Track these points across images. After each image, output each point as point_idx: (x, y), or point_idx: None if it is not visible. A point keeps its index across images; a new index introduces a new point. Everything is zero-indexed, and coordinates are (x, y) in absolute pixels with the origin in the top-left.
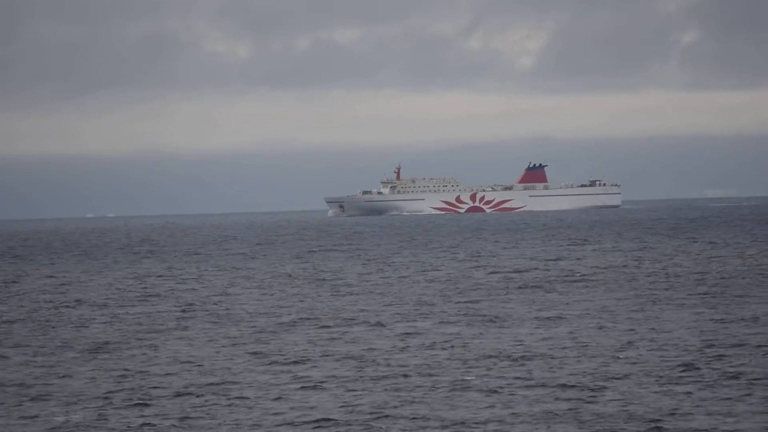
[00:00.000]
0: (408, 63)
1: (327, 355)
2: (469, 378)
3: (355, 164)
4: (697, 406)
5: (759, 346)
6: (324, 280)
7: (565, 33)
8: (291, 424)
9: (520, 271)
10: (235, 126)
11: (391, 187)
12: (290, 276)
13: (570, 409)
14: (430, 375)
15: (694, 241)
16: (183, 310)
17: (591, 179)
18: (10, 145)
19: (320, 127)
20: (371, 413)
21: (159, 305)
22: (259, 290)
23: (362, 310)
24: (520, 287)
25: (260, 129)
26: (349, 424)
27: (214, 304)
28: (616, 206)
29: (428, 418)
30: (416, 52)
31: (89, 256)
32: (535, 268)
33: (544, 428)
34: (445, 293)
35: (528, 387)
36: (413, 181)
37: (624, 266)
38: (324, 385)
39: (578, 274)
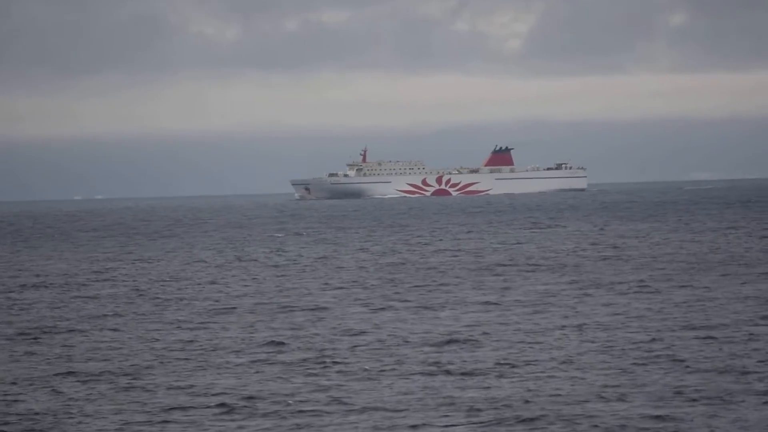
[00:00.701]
0: (396, 45)
1: (251, 341)
2: (380, 365)
3: (342, 146)
4: (595, 393)
5: (684, 329)
6: (276, 265)
7: (552, 15)
8: (189, 408)
9: (477, 255)
10: (225, 108)
11: (357, 169)
12: (240, 260)
13: (470, 396)
14: (346, 362)
15: (656, 225)
16: (127, 295)
17: (557, 162)
18: (3, 126)
19: (308, 109)
20: (274, 400)
21: (103, 290)
22: (208, 274)
23: (305, 295)
24: (470, 271)
25: (249, 111)
26: (249, 410)
27: (160, 287)
28: (582, 189)
29: (329, 404)
30: (404, 34)
31: (56, 239)
32: (493, 252)
33: (438, 415)
34: (395, 278)
35: (433, 374)
36: (379, 164)
37: (581, 250)
38: (237, 369)
39: (531, 258)
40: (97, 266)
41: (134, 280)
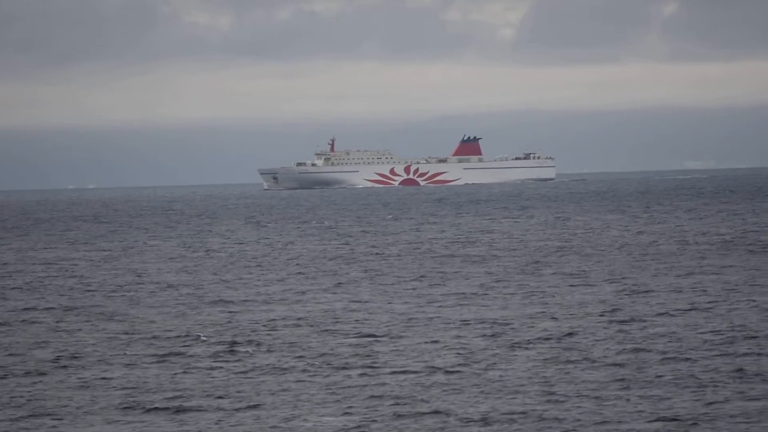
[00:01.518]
0: (388, 35)
1: (169, 334)
2: (285, 361)
3: (337, 135)
4: (487, 389)
5: (603, 323)
6: (227, 256)
7: (545, 4)
8: (74, 404)
9: (430, 247)
10: (217, 97)
11: (325, 158)
12: (195, 251)
13: (366, 393)
14: (253, 357)
15: (619, 216)
16: (69, 287)
17: (526, 152)
18: None
19: (301, 98)
20: (167, 396)
21: (45, 283)
22: (156, 266)
23: (242, 288)
24: (418, 262)
25: (239, 100)
26: (139, 407)
27: (104, 279)
28: (551, 179)
29: (218, 399)
30: (396, 24)
31: (25, 230)
32: (450, 243)
33: (324, 412)
34: (338, 269)
35: (336, 369)
36: (347, 153)
37: (535, 241)
38: (142, 364)
39: (484, 248)
40: (53, 256)
41: (80, 272)
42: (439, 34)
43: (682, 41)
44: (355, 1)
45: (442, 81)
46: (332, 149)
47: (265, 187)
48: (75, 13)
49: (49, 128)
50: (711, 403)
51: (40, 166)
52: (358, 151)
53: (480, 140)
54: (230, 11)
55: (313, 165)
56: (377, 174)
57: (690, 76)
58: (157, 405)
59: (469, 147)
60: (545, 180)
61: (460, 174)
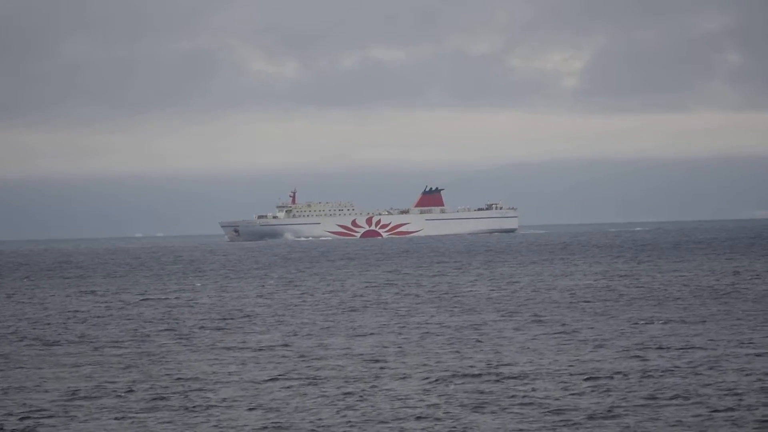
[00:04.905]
0: (452, 83)
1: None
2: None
3: (401, 182)
4: None
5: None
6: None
7: (607, 54)
8: None
9: (356, 296)
10: (283, 145)
11: (286, 211)
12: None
13: None
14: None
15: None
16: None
17: (488, 203)
18: (66, 163)
19: (371, 146)
20: None
21: None
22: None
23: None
24: (334, 313)
25: (308, 148)
26: None
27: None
28: (513, 230)
29: None
30: (460, 72)
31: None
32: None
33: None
34: (225, 326)
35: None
36: (309, 206)
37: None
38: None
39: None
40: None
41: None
42: (501, 82)
43: (748, 89)
44: (419, 50)
45: (507, 129)
46: (293, 201)
47: (227, 240)
48: (139, 62)
49: (118, 175)
50: None
51: (112, 213)
52: (320, 203)
53: (443, 191)
54: (294, 61)
55: (275, 218)
56: (339, 226)
57: (758, 124)
58: None
59: (431, 198)
60: (507, 231)
61: (422, 225)
